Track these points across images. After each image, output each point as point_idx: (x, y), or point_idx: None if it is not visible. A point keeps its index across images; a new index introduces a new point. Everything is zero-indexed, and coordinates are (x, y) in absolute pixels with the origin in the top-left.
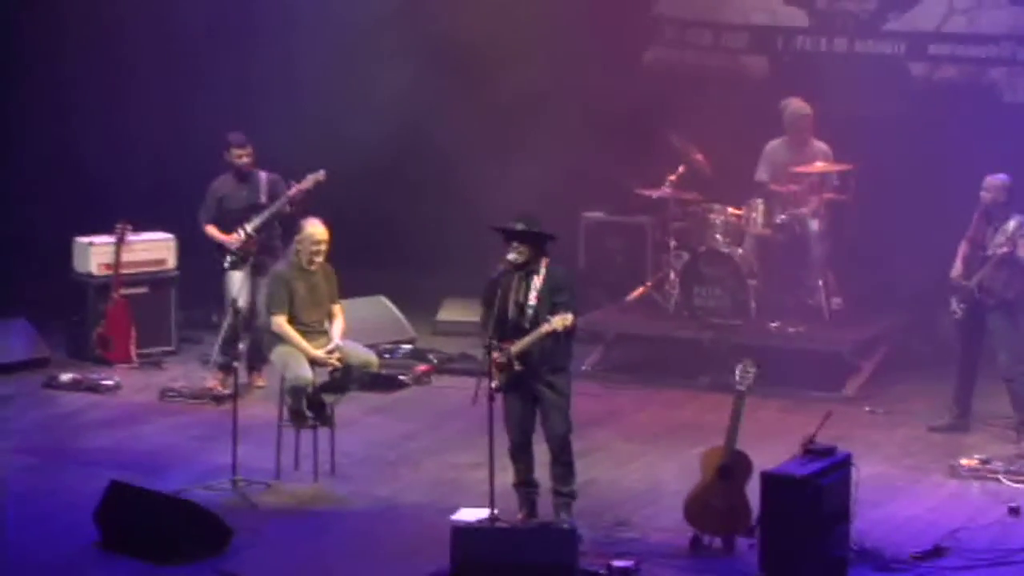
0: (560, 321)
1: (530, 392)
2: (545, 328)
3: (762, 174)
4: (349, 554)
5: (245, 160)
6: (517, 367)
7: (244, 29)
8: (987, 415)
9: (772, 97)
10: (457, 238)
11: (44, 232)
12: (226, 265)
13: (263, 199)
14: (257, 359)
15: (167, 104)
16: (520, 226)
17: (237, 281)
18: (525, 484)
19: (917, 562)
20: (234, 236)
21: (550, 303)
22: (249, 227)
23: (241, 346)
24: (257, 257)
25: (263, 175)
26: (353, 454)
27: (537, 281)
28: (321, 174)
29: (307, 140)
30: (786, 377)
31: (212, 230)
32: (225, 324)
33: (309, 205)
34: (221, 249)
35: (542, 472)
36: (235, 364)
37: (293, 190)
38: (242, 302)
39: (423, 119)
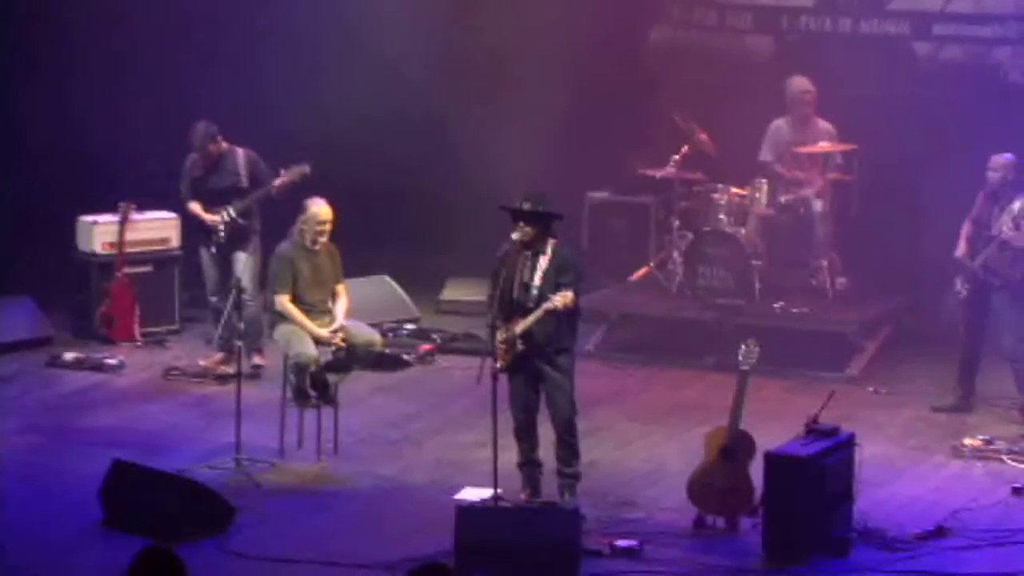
0: (561, 299)
1: (534, 372)
2: (546, 306)
3: (766, 154)
4: (352, 533)
5: (211, 149)
6: (519, 347)
7: (248, 6)
8: (991, 395)
9: (777, 77)
10: (461, 217)
11: (48, 211)
12: (212, 250)
13: (244, 181)
14: (256, 339)
15: (172, 83)
16: (527, 205)
17: (209, 264)
18: (529, 464)
19: (920, 542)
20: (217, 217)
21: (555, 283)
22: (232, 211)
23: (241, 325)
24: (238, 239)
25: (240, 153)
26: (357, 433)
27: (543, 261)
28: (306, 167)
29: (309, 119)
30: (790, 357)
31: (196, 208)
32: (229, 304)
33: (291, 193)
34: (207, 232)
35: (547, 452)
36: (237, 343)
37: (278, 181)
38: (246, 282)
39: (428, 98)
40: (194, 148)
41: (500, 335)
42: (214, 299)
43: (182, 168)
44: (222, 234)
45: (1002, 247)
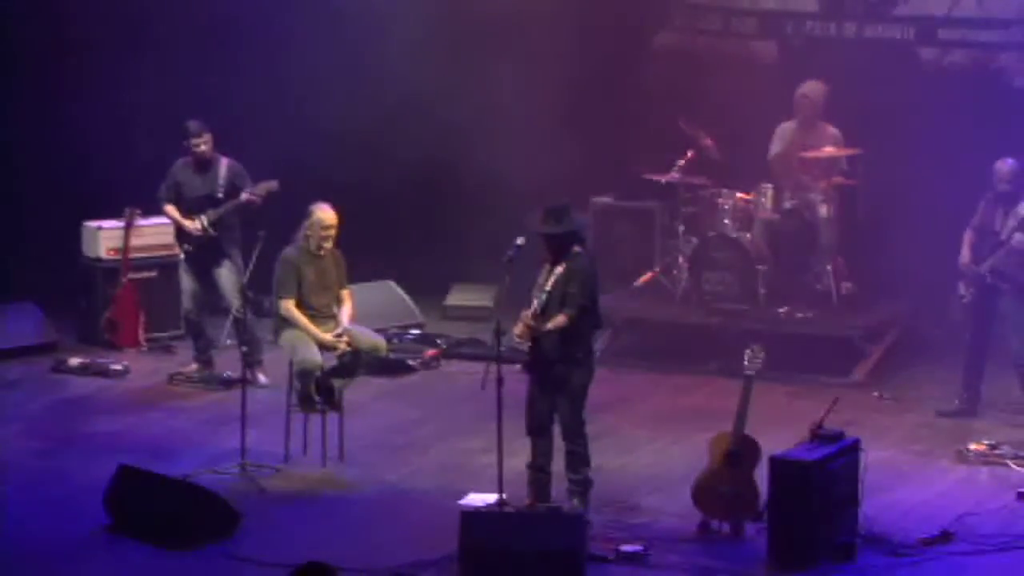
0: (526, 315)
1: (541, 378)
2: (522, 318)
3: (774, 149)
4: (357, 539)
5: (203, 148)
6: (527, 346)
7: (249, 11)
8: (996, 400)
9: (781, 82)
10: (466, 223)
11: (53, 217)
12: (182, 256)
13: (220, 192)
14: (256, 355)
15: (177, 88)
16: (552, 228)
17: (186, 277)
18: (536, 468)
19: (925, 547)
20: (194, 223)
21: (563, 292)
22: (206, 220)
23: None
24: (211, 251)
25: (224, 163)
26: (362, 439)
27: (559, 269)
28: (274, 184)
29: (311, 124)
30: (795, 362)
31: (172, 211)
32: (232, 311)
33: (262, 208)
34: (181, 235)
35: (559, 457)
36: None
37: (245, 197)
38: (236, 294)
39: (432, 103)
40: (190, 136)
41: (526, 313)
42: (191, 315)
43: (168, 170)
44: (194, 235)
45: (1011, 251)
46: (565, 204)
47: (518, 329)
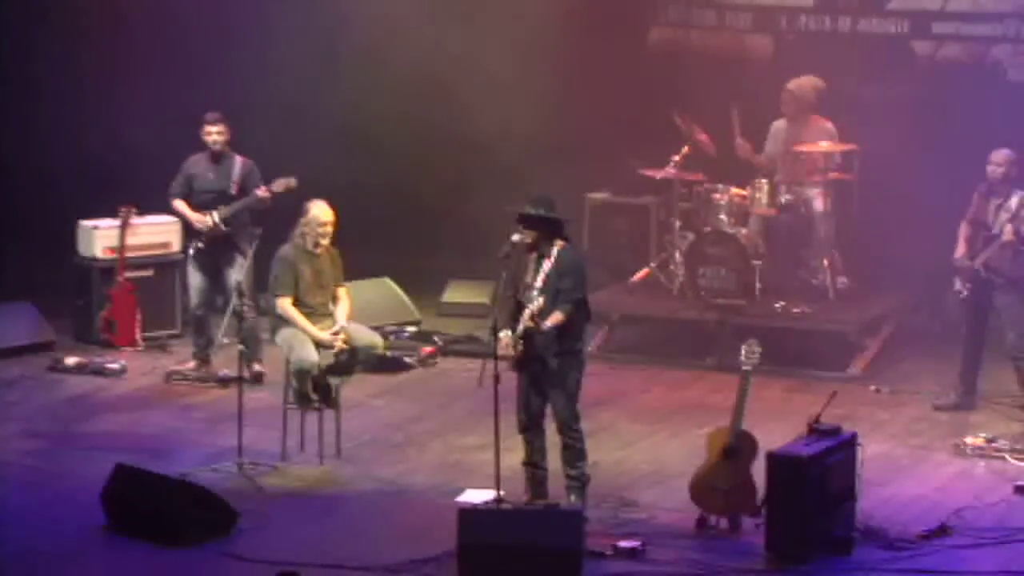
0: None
1: (535, 374)
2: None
3: (768, 149)
4: (355, 536)
5: (216, 138)
6: (518, 349)
7: (252, 10)
8: (993, 394)
9: (776, 77)
10: (463, 219)
11: (49, 216)
12: (191, 251)
13: (233, 188)
14: (255, 350)
15: (173, 87)
16: (531, 210)
17: (195, 274)
18: (531, 464)
19: (923, 541)
20: (205, 219)
21: (555, 288)
22: (217, 216)
23: (247, 321)
24: (223, 247)
25: (238, 160)
26: (358, 436)
27: (547, 264)
28: (292, 181)
29: (308, 122)
30: (791, 357)
31: (181, 206)
32: (230, 307)
33: (278, 204)
34: (190, 231)
35: (556, 453)
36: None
37: (263, 191)
38: (244, 283)
39: (428, 101)
40: (205, 124)
41: (503, 337)
42: (199, 311)
43: (181, 165)
44: (204, 233)
45: (1003, 245)
46: (552, 199)
47: (508, 341)
